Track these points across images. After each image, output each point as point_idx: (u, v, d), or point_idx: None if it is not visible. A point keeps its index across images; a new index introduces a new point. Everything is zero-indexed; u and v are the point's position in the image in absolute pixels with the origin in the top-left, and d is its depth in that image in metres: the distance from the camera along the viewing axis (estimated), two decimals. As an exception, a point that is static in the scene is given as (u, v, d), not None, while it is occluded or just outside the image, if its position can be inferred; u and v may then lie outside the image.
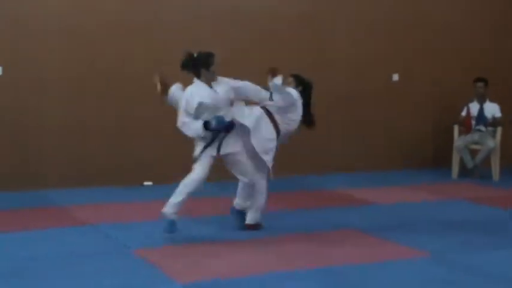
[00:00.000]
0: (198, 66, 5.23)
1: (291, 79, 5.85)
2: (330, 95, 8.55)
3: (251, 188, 5.51)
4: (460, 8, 9.30)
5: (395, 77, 9.06)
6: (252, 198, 5.59)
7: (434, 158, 9.34)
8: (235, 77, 5.49)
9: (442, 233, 5.73)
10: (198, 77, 5.26)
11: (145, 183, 7.71)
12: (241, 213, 5.68)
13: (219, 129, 5.18)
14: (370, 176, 8.65)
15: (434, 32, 9.19)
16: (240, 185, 5.57)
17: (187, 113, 5.20)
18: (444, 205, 6.98)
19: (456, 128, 8.79)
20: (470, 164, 8.56)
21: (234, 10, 8.08)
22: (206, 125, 5.15)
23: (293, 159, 8.38)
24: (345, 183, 8.05)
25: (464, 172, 8.64)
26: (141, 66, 7.59)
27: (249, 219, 5.68)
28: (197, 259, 4.82)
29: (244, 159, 5.40)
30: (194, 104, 5.16)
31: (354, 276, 4.45)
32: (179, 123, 5.25)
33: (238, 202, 5.66)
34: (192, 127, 5.20)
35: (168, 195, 7.13)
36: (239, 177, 5.48)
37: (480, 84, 8.70)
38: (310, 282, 4.30)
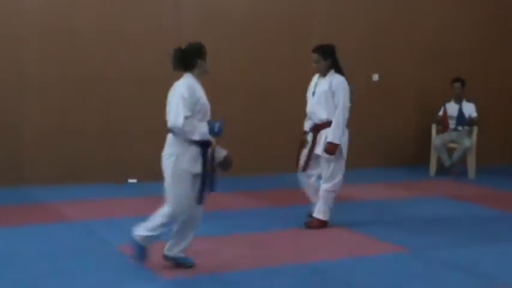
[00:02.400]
0: (193, 56, 4.49)
1: (315, 55, 5.63)
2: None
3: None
4: (437, 9, 9.45)
5: (376, 77, 9.18)
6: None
7: (412, 156, 9.49)
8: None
9: (421, 229, 5.86)
10: (192, 69, 4.49)
11: (130, 180, 7.75)
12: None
13: (214, 137, 4.44)
14: (350, 173, 8.72)
15: (413, 33, 9.33)
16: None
17: (190, 110, 4.31)
18: (422, 202, 7.12)
19: (434, 127, 8.95)
20: (447, 162, 8.73)
21: (219, 12, 8.14)
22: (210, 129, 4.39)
23: (274, 158, 8.49)
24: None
25: (442, 170, 8.81)
26: (125, 66, 7.64)
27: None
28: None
29: None
30: (194, 100, 4.35)
31: (334, 272, 4.55)
32: (180, 121, 4.24)
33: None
34: (199, 128, 4.32)
35: (151, 192, 7.21)
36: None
37: (457, 84, 8.87)
38: (293, 278, 4.39)
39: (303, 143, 5.83)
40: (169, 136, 4.42)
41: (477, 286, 4.39)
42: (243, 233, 5.57)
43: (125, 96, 7.70)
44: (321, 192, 5.74)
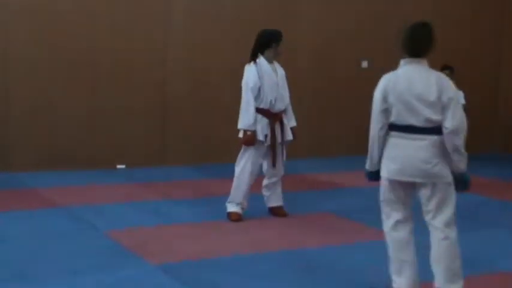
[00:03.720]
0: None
1: (447, 71, 5.44)
2: (301, 81, 8.66)
3: None
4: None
5: (365, 64, 9.20)
6: None
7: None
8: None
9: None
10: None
11: (119, 166, 7.75)
12: None
13: None
14: (338, 161, 8.81)
15: (402, 20, 9.31)
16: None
17: None
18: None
19: (422, 114, 8.98)
20: (435, 149, 8.77)
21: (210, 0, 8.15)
22: None
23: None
24: (316, 168, 8.19)
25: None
26: (113, 51, 7.61)
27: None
28: (168, 241, 4.91)
29: None
30: None
31: (321, 257, 4.59)
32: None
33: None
34: None
35: (140, 178, 7.23)
36: None
37: (446, 71, 8.87)
38: (279, 264, 4.42)
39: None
40: (431, 139, 3.81)
41: (464, 272, 4.43)
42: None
43: (113, 81, 7.67)
44: (279, 181, 5.68)
